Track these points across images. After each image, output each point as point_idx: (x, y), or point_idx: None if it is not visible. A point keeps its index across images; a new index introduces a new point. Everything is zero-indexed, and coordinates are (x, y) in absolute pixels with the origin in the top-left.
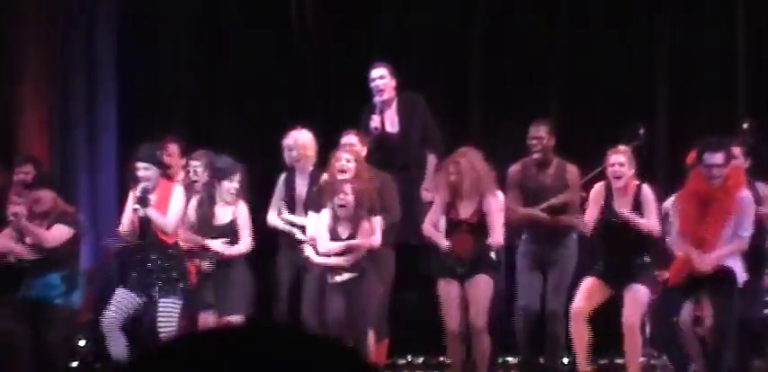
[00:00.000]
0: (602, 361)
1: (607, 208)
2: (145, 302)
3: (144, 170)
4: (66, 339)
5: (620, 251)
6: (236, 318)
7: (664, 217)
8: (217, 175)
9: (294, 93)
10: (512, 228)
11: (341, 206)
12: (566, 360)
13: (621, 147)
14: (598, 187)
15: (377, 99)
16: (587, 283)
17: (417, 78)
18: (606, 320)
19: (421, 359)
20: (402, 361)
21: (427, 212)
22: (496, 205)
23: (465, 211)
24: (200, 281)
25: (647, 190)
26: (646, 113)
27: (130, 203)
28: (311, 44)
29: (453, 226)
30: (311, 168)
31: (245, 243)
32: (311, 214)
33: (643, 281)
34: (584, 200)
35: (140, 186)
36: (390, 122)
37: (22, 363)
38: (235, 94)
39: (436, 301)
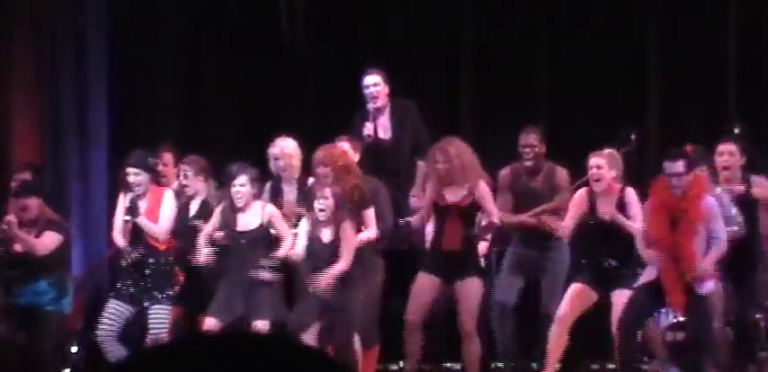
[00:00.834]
0: (594, 366)
1: (591, 212)
2: (137, 310)
3: (134, 175)
4: (57, 345)
5: (603, 255)
6: (262, 323)
7: None
8: (226, 181)
9: (285, 100)
10: (501, 233)
11: (321, 210)
12: (557, 366)
13: (605, 151)
14: (581, 192)
15: (370, 106)
16: (573, 289)
17: (407, 86)
18: (597, 325)
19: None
20: (395, 367)
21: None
22: (486, 189)
23: (453, 196)
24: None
25: (631, 193)
26: (637, 117)
27: (120, 210)
28: (302, 51)
29: (441, 213)
30: (297, 176)
31: (289, 239)
32: (303, 221)
33: (629, 286)
34: None
35: (129, 196)
36: (383, 129)
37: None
38: (225, 102)
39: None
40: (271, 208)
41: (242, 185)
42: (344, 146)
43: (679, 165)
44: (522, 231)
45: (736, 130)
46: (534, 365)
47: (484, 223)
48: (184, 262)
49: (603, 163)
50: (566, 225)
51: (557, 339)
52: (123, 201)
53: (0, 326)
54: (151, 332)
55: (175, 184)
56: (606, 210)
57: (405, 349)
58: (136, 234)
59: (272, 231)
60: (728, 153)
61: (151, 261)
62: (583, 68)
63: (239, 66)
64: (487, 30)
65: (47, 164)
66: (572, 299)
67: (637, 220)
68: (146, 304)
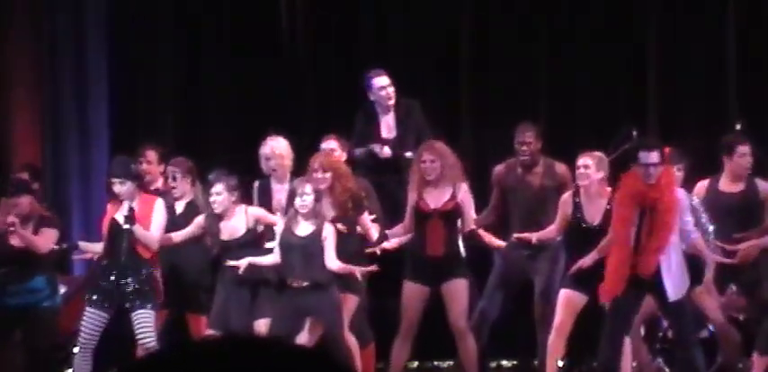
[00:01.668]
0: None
1: (578, 214)
2: (112, 316)
3: (119, 185)
4: (58, 345)
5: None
6: (263, 322)
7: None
8: (206, 189)
9: (285, 100)
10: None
11: (302, 206)
12: (560, 363)
13: (595, 153)
14: (565, 196)
15: (387, 103)
16: (563, 296)
17: (406, 85)
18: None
19: (415, 364)
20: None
21: None
22: (467, 194)
23: (435, 201)
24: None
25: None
26: (636, 115)
27: (108, 216)
28: (302, 51)
29: (423, 218)
30: (289, 175)
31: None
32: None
33: None
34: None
35: (126, 204)
36: (387, 127)
37: None
38: (225, 102)
39: (433, 298)
40: (254, 210)
41: (218, 193)
42: (332, 144)
43: (654, 156)
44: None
45: (738, 127)
46: (536, 362)
47: (462, 228)
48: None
49: (591, 164)
50: (551, 230)
51: (555, 347)
52: (111, 210)
53: None
54: (139, 337)
55: (160, 183)
56: (593, 212)
57: (392, 355)
58: (120, 242)
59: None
60: (749, 154)
61: (135, 269)
62: (582, 68)
63: (239, 66)
64: (487, 30)
65: (48, 164)
66: (564, 307)
67: None
68: (134, 304)
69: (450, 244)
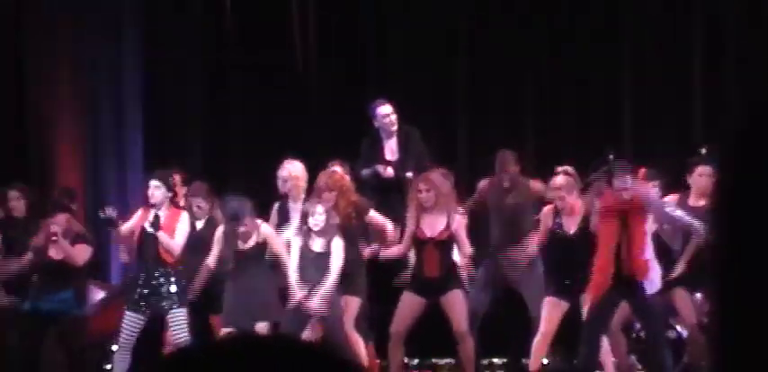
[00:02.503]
0: None
1: (557, 228)
2: (148, 318)
3: (155, 188)
4: (83, 345)
5: (570, 265)
6: (263, 325)
7: None
8: (232, 219)
9: (301, 127)
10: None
11: (315, 224)
12: (545, 361)
13: (568, 171)
14: (547, 209)
15: (390, 129)
16: (547, 303)
17: (407, 110)
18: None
19: (416, 361)
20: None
21: None
22: (461, 222)
23: (431, 230)
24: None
25: (596, 205)
26: (613, 137)
27: (135, 222)
28: (314, 82)
29: (420, 244)
30: (303, 196)
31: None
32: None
33: None
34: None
35: (153, 212)
36: (390, 151)
37: None
38: (245, 129)
39: (432, 306)
40: (266, 229)
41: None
42: (337, 169)
43: (627, 179)
44: (496, 247)
45: (703, 151)
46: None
47: (460, 260)
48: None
49: (564, 186)
50: (532, 242)
51: (540, 348)
52: (142, 216)
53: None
54: (174, 335)
55: (182, 202)
56: (570, 225)
57: (389, 359)
58: (147, 248)
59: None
60: (707, 175)
61: (162, 273)
62: (563, 92)
63: (259, 97)
64: (482, 47)
65: (88, 188)
66: (549, 314)
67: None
68: (165, 306)
69: (445, 266)
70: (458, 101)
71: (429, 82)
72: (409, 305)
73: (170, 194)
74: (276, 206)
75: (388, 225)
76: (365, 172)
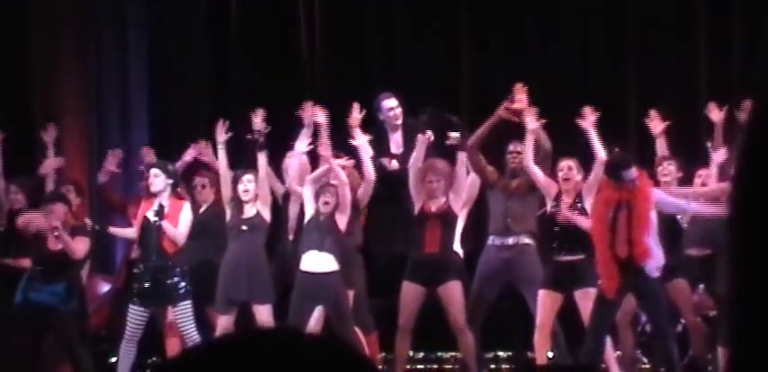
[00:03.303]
0: None
1: (556, 208)
2: (153, 310)
3: (153, 177)
4: (72, 341)
5: (564, 253)
6: (265, 307)
7: None
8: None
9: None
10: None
11: (325, 203)
12: (550, 354)
13: (564, 163)
14: (555, 187)
15: (395, 123)
16: (540, 296)
17: (412, 104)
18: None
19: (421, 354)
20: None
21: None
22: (456, 202)
23: (436, 206)
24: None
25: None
26: (618, 133)
27: (141, 214)
28: (320, 80)
29: (423, 220)
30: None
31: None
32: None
33: (590, 283)
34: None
35: (157, 201)
36: (395, 144)
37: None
38: (246, 122)
39: (431, 299)
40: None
41: (249, 181)
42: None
43: (633, 172)
44: (492, 245)
45: (709, 144)
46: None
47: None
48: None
49: (573, 165)
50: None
51: (541, 343)
52: (143, 207)
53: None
54: (180, 326)
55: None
56: (567, 211)
57: (395, 351)
58: (150, 239)
59: (268, 218)
60: (706, 176)
61: (164, 264)
62: (570, 90)
63: (264, 93)
64: (483, 46)
65: (94, 183)
66: (543, 307)
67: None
68: (169, 299)
69: (446, 244)
70: (461, 97)
71: (433, 76)
72: (411, 296)
73: (170, 181)
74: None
75: (370, 175)
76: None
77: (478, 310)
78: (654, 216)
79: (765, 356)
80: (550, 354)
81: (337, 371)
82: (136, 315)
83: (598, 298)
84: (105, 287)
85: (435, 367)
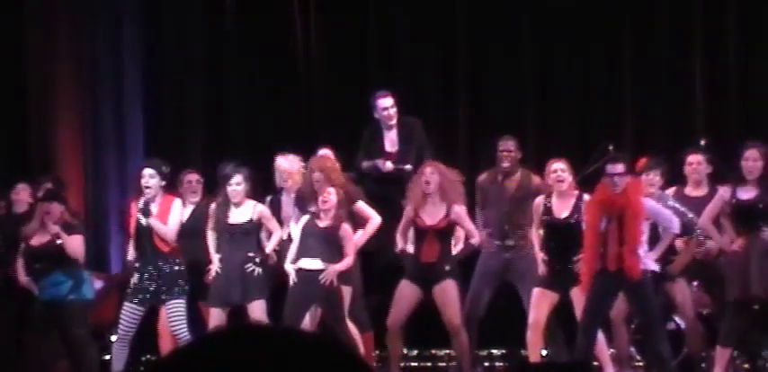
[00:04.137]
0: None
1: (548, 215)
2: (148, 308)
3: (149, 177)
4: (88, 331)
5: (561, 254)
6: (258, 302)
7: None
8: (222, 180)
9: (299, 120)
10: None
11: (324, 201)
12: (544, 352)
13: (555, 165)
14: (538, 200)
15: (389, 122)
16: (535, 295)
17: (410, 106)
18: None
19: (415, 352)
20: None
21: None
22: (462, 211)
23: (431, 219)
24: (223, 277)
25: (586, 197)
26: (612, 131)
27: (134, 214)
28: (315, 81)
29: (420, 233)
30: (296, 188)
31: (278, 233)
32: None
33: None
34: None
35: (143, 199)
36: (390, 142)
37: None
38: (242, 120)
39: (426, 298)
40: (261, 208)
41: (237, 184)
42: (326, 151)
43: (619, 167)
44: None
45: (702, 142)
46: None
47: (460, 246)
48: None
49: (565, 168)
50: (532, 236)
51: (535, 341)
52: (135, 206)
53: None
54: (171, 325)
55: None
56: (561, 212)
57: (389, 352)
58: (144, 238)
59: (264, 227)
60: (696, 162)
61: (160, 263)
62: (567, 92)
63: (258, 92)
64: (480, 51)
65: (89, 177)
66: (537, 306)
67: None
68: (163, 297)
69: (443, 254)
70: (459, 99)
71: (431, 76)
72: (407, 294)
73: (164, 183)
74: (268, 199)
75: (375, 219)
76: (365, 164)
77: (477, 308)
78: (645, 226)
79: None
80: (544, 352)
81: (331, 368)
82: (130, 313)
83: (588, 295)
84: (98, 285)
85: (429, 364)
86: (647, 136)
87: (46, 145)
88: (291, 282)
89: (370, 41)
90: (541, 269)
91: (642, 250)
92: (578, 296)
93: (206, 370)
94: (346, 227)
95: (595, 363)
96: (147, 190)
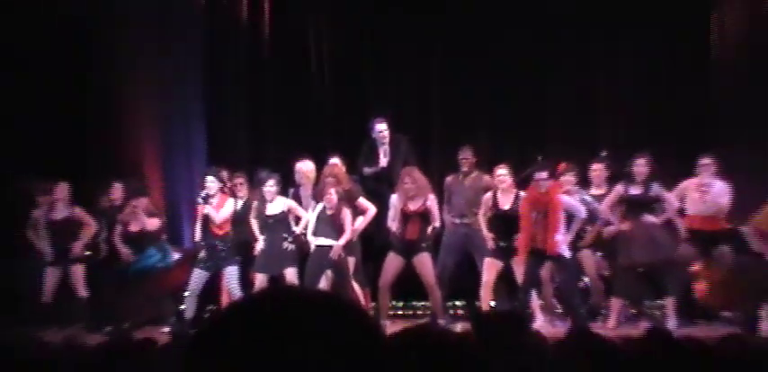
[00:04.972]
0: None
1: (495, 206)
2: (212, 273)
3: (210, 182)
4: (168, 290)
5: (504, 234)
6: (291, 270)
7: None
8: (258, 183)
9: (317, 132)
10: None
11: (328, 199)
12: (492, 303)
13: (503, 165)
14: (487, 195)
15: (383, 141)
16: (486, 263)
17: (397, 124)
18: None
19: (401, 304)
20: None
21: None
22: (434, 202)
23: (414, 206)
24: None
25: (523, 194)
26: (541, 144)
27: (199, 211)
28: (329, 108)
29: (406, 216)
30: (311, 185)
31: (305, 218)
32: (310, 212)
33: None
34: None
35: (203, 192)
36: (384, 153)
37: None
38: (278, 131)
39: (407, 265)
40: (290, 202)
41: (271, 186)
42: (336, 160)
43: (544, 174)
44: (454, 223)
45: (603, 153)
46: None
47: (429, 230)
48: (238, 241)
49: (507, 172)
50: (482, 215)
51: (486, 296)
52: (203, 194)
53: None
54: (228, 285)
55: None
56: (504, 205)
57: (378, 306)
58: (206, 225)
59: (293, 215)
60: (598, 169)
61: (216, 243)
62: (507, 113)
63: (287, 114)
64: (449, 90)
65: (166, 175)
66: (487, 270)
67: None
68: (222, 265)
69: (422, 234)
70: (434, 121)
71: (413, 104)
72: (393, 263)
73: (220, 184)
74: (292, 191)
75: (372, 209)
76: (366, 169)
77: (444, 271)
78: (563, 216)
79: None
80: (493, 303)
81: (339, 316)
82: (197, 276)
83: (526, 266)
84: (176, 256)
85: (411, 312)
86: (566, 148)
87: (133, 152)
88: (311, 251)
89: (369, 74)
90: (490, 244)
91: (560, 233)
92: (517, 265)
93: (252, 319)
94: (347, 212)
95: (529, 311)
96: (208, 191)
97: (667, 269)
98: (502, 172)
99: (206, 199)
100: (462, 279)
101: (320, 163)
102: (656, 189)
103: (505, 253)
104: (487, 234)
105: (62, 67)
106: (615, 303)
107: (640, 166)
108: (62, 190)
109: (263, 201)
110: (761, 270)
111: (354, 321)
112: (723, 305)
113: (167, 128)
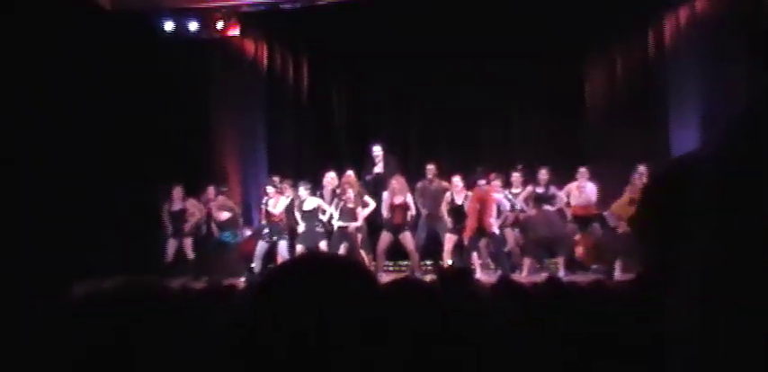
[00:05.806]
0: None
1: (452, 202)
2: (270, 245)
3: (270, 186)
4: (241, 259)
5: (457, 219)
6: (321, 243)
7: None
8: (297, 187)
9: (335, 153)
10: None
11: (347, 198)
12: (450, 262)
13: (458, 176)
14: (447, 194)
15: (377, 161)
16: (447, 237)
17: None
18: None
19: (390, 263)
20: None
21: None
22: (411, 199)
23: (398, 201)
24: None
25: (470, 194)
26: (480, 159)
27: (263, 209)
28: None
29: (394, 208)
30: (331, 188)
31: (329, 211)
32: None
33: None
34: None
35: (265, 197)
36: (379, 167)
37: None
38: (311, 154)
39: (395, 240)
40: (319, 200)
41: (305, 189)
42: (350, 172)
43: (483, 181)
44: (425, 214)
45: (519, 167)
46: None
47: (409, 217)
48: (287, 225)
49: (459, 179)
50: (443, 209)
51: (446, 258)
52: (265, 198)
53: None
54: (281, 252)
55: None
56: (459, 200)
57: (377, 264)
58: (268, 215)
59: (321, 209)
60: (517, 176)
61: (273, 225)
62: (460, 134)
63: (314, 139)
64: (430, 113)
65: (243, 180)
66: (448, 241)
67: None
68: (277, 239)
69: (404, 220)
70: (411, 146)
71: (398, 133)
72: (385, 238)
73: (276, 188)
74: (318, 193)
75: (372, 204)
76: (368, 177)
77: (419, 242)
78: (494, 207)
79: None
80: (450, 262)
81: (351, 272)
82: (261, 247)
83: (469, 240)
84: (248, 232)
85: (399, 269)
86: (495, 163)
87: (219, 163)
88: (335, 230)
89: (370, 113)
90: (449, 225)
91: (493, 218)
92: (467, 239)
93: (297, 272)
94: (359, 205)
95: (472, 266)
96: (268, 193)
97: (559, 239)
98: (456, 179)
99: (267, 200)
100: (431, 248)
101: (339, 174)
102: (552, 189)
103: (458, 231)
104: (447, 219)
105: (171, 108)
106: (526, 261)
107: (543, 174)
108: (177, 190)
109: (300, 200)
110: (615, 239)
111: (360, 273)
112: (593, 262)
113: (242, 148)
